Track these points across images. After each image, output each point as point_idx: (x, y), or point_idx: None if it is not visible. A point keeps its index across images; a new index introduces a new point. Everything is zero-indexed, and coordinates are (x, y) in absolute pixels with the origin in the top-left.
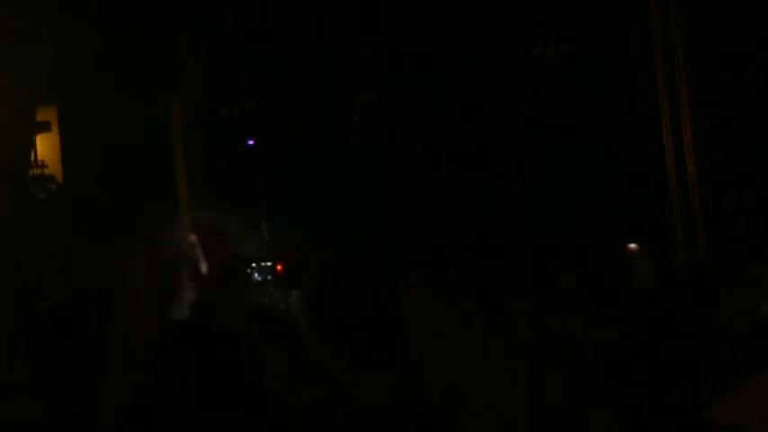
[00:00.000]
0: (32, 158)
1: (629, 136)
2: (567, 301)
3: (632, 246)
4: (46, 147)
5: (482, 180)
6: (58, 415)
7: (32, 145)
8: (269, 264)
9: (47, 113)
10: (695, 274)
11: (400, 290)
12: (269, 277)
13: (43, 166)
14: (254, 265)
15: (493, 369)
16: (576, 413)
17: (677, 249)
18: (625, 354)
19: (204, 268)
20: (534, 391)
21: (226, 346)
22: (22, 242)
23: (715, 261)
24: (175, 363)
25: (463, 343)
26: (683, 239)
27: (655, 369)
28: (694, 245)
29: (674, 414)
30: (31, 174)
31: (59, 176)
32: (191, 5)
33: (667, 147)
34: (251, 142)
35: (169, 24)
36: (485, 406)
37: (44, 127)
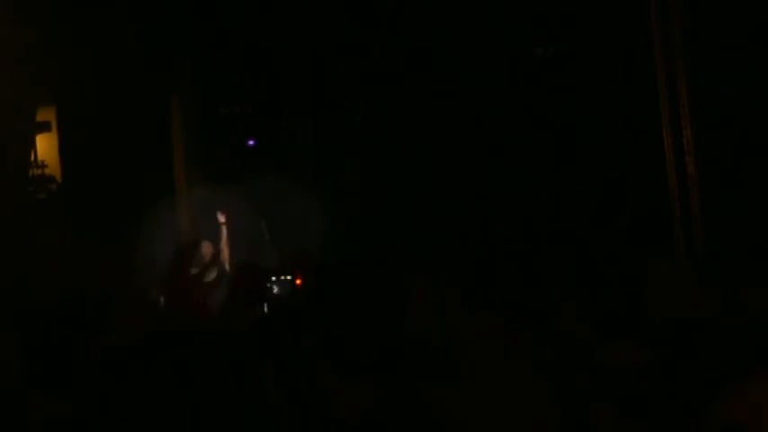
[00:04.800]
0: (32, 158)
1: (629, 135)
2: (567, 303)
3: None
4: (46, 147)
5: (482, 180)
6: (59, 414)
7: (32, 145)
8: (288, 278)
9: (47, 113)
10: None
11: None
12: (285, 292)
13: (43, 166)
14: (273, 278)
15: (502, 376)
16: (577, 414)
17: (677, 249)
18: (625, 354)
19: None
20: (543, 398)
21: (212, 349)
22: (22, 242)
23: (714, 260)
24: (162, 365)
25: (477, 349)
26: (682, 239)
27: (655, 371)
28: (694, 245)
29: (674, 414)
30: (31, 174)
31: (59, 176)
32: (191, 6)
33: (667, 147)
34: (251, 142)
35: (169, 24)
36: (492, 413)
37: (44, 127)
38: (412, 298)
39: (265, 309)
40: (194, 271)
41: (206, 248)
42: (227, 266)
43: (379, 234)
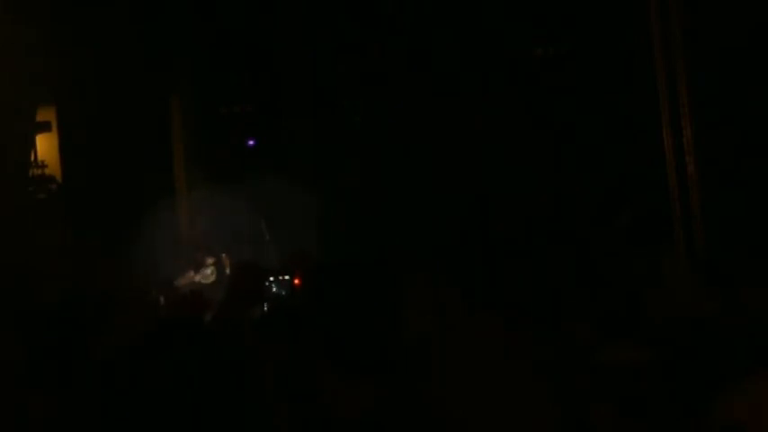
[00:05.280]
0: (32, 158)
1: (629, 135)
2: (567, 303)
3: None
4: (46, 147)
5: (482, 180)
6: (58, 414)
7: (32, 145)
8: (287, 277)
9: (47, 113)
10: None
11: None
12: (284, 292)
13: (43, 166)
14: (272, 278)
15: (503, 376)
16: (577, 414)
17: (677, 249)
18: (625, 354)
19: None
20: (543, 398)
21: (212, 349)
22: (22, 242)
23: (714, 260)
24: (162, 364)
25: (477, 349)
26: (682, 239)
27: (655, 371)
28: (694, 245)
29: (674, 414)
30: (31, 174)
31: (59, 176)
32: (191, 6)
33: (667, 147)
34: (251, 142)
35: (169, 24)
36: (492, 413)
37: (44, 127)
38: (412, 298)
39: (265, 308)
40: (194, 275)
41: (207, 256)
42: (227, 269)
43: (379, 234)
